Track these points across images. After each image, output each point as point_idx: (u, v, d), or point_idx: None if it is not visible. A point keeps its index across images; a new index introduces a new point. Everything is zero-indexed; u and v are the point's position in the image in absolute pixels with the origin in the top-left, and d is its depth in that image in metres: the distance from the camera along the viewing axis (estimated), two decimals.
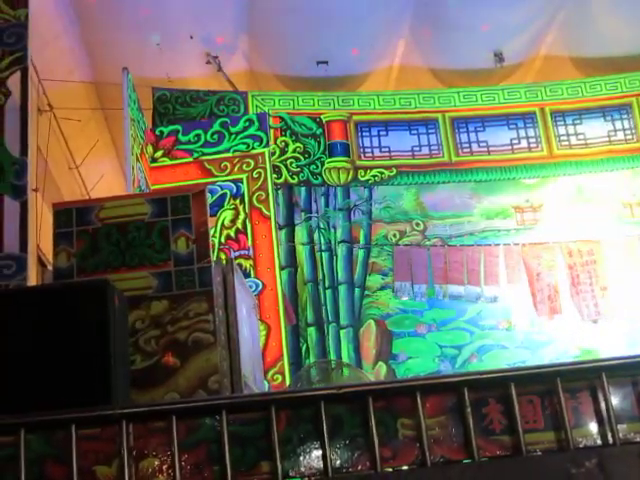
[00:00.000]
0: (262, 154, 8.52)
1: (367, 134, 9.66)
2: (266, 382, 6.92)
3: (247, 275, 7.76)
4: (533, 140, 9.73)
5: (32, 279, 5.14)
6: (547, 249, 9.22)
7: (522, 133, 9.76)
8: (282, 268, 8.45)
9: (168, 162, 8.51)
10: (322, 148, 9.47)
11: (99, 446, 2.50)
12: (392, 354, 8.87)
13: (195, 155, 8.52)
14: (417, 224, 9.39)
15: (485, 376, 2.66)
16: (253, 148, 8.53)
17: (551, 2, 9.93)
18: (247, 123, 8.69)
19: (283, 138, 9.46)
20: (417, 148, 9.64)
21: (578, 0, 9.88)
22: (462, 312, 9.05)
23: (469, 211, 9.48)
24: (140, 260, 3.54)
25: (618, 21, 9.87)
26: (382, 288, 9.11)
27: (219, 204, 8.24)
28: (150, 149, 8.52)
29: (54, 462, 2.49)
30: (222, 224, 8.20)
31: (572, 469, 2.42)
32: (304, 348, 8.74)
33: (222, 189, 8.31)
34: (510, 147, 9.71)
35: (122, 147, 8.04)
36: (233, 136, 8.59)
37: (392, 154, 9.60)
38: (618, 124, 9.74)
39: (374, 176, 9.46)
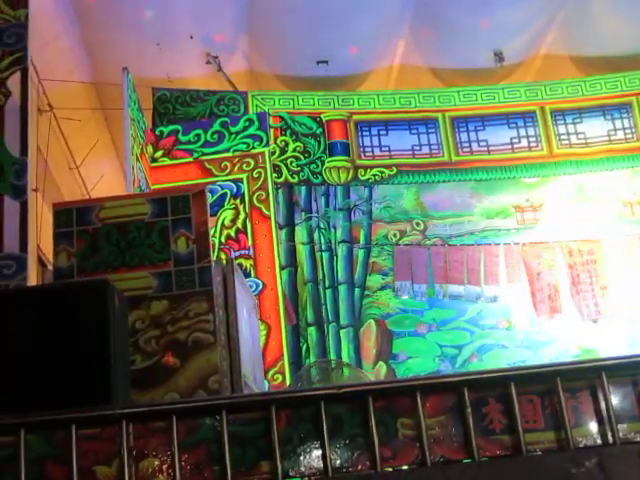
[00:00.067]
0: (262, 154, 8.53)
1: (367, 133, 9.66)
2: (266, 382, 6.92)
3: (247, 275, 7.76)
4: (533, 139, 9.73)
5: (32, 279, 5.14)
6: (547, 248, 9.22)
7: (522, 132, 9.76)
8: (282, 268, 8.45)
9: (168, 162, 8.51)
10: (322, 147, 9.47)
11: (99, 446, 2.50)
12: (392, 354, 8.87)
13: (195, 155, 8.52)
14: (417, 224, 9.39)
15: (485, 376, 2.66)
16: (253, 148, 8.53)
17: (551, 2, 9.93)
18: (247, 123, 8.69)
19: (283, 137, 9.46)
20: (417, 147, 9.64)
21: (578, 0, 9.87)
22: (462, 312, 9.05)
23: (469, 210, 9.48)
24: (140, 260, 3.53)
25: (618, 21, 9.87)
26: (382, 288, 9.12)
27: (219, 204, 8.24)
28: (150, 149, 8.52)
29: (54, 462, 2.49)
30: (222, 224, 8.20)
31: (572, 469, 2.42)
32: (304, 348, 8.74)
33: (222, 189, 8.31)
34: (510, 146, 9.71)
35: (122, 147, 8.04)
36: (233, 136, 8.59)
37: (392, 153, 9.60)
38: (618, 123, 9.74)
39: (374, 175, 9.47)
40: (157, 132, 8.71)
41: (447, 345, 8.91)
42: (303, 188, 9.35)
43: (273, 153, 9.05)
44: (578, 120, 9.78)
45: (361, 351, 8.88)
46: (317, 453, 2.52)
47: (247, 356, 3.83)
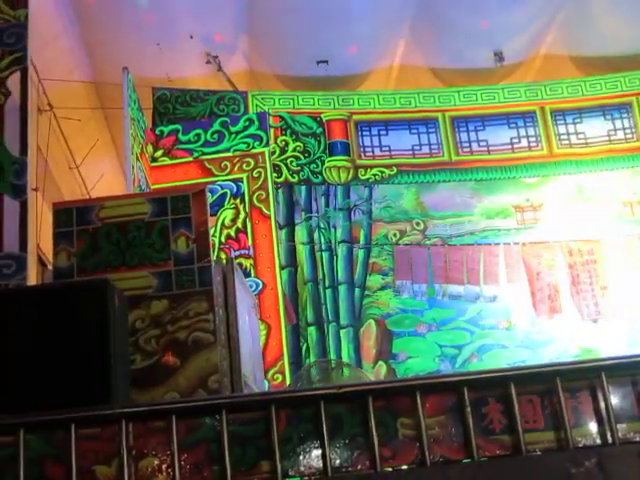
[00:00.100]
0: (262, 153, 8.52)
1: (367, 133, 9.66)
2: (266, 381, 6.92)
3: (247, 274, 7.76)
4: (533, 139, 9.73)
5: (32, 279, 5.14)
6: (547, 248, 9.22)
7: (522, 132, 9.76)
8: (282, 268, 8.45)
9: (168, 162, 8.51)
10: (322, 147, 9.48)
11: (99, 446, 2.50)
12: (392, 354, 8.87)
13: (195, 155, 8.52)
14: (417, 224, 9.39)
15: (485, 376, 2.66)
16: (253, 147, 8.53)
17: (551, 2, 9.93)
18: (247, 123, 8.69)
19: (283, 137, 9.46)
20: (417, 147, 9.64)
21: (578, 0, 9.87)
22: (462, 312, 9.05)
23: (469, 210, 9.48)
24: (140, 260, 3.53)
25: (618, 21, 9.87)
26: (382, 288, 9.12)
27: (219, 203, 8.24)
28: (150, 149, 8.52)
29: (54, 462, 2.49)
30: (222, 223, 8.20)
31: (572, 468, 2.42)
32: (304, 348, 8.74)
33: (222, 188, 8.31)
34: (510, 146, 9.70)
35: (122, 147, 8.04)
36: (233, 135, 8.59)
37: (392, 153, 9.60)
38: (618, 123, 9.74)
39: (374, 175, 9.47)
40: (157, 132, 8.71)
41: (447, 345, 8.91)
42: (303, 188, 9.35)
43: (273, 153, 9.05)
44: (578, 120, 9.78)
45: (361, 351, 8.88)
46: (317, 453, 2.52)
47: (247, 356, 3.83)
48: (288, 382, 7.27)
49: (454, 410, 2.56)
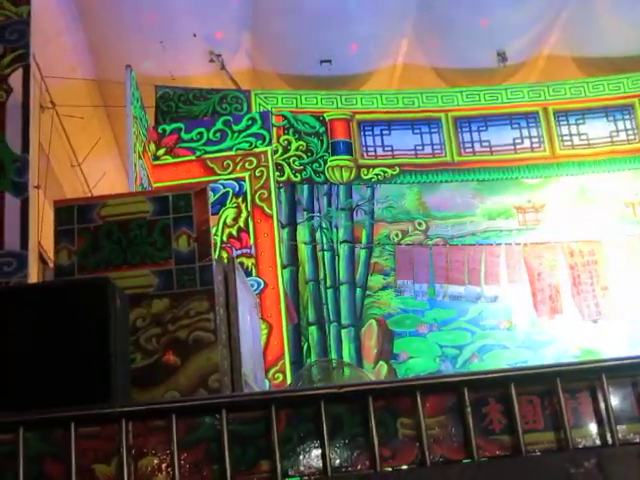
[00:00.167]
0: (265, 152, 8.52)
1: (370, 133, 9.66)
2: (267, 381, 6.92)
3: (249, 274, 7.76)
4: (536, 140, 9.73)
5: (33, 276, 5.14)
6: (548, 249, 9.22)
7: (525, 133, 9.76)
8: (284, 267, 8.45)
9: (170, 160, 8.51)
10: (325, 146, 9.48)
11: (98, 444, 2.50)
12: (393, 354, 8.88)
13: (197, 153, 8.52)
14: (419, 224, 9.39)
15: (485, 376, 2.65)
16: (256, 146, 8.53)
17: (554, 2, 9.92)
18: (250, 121, 8.69)
19: (286, 136, 9.46)
20: (420, 147, 9.64)
21: (581, 0, 9.87)
22: (463, 312, 9.06)
23: (471, 211, 9.48)
24: (141, 258, 3.53)
25: (621, 21, 9.86)
26: (384, 288, 9.12)
27: (221, 202, 8.24)
28: (152, 147, 8.52)
29: (53, 460, 2.48)
30: (224, 222, 8.20)
31: (571, 469, 2.42)
32: (305, 347, 8.74)
33: (224, 187, 8.31)
34: (513, 147, 9.70)
35: (124, 145, 8.04)
36: (236, 134, 8.59)
37: (395, 153, 9.60)
38: (620, 124, 9.74)
39: (377, 175, 9.46)
40: (160, 130, 8.71)
41: (448, 345, 8.92)
42: (305, 187, 9.35)
43: (276, 152, 9.05)
44: (581, 121, 9.77)
45: (362, 351, 8.88)
46: (317, 452, 2.52)
47: (248, 355, 3.83)
48: (289, 381, 7.27)
49: (454, 410, 2.56)
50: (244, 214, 8.24)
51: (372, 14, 9.60)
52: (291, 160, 9.37)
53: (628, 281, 8.98)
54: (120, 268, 3.50)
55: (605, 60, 10.21)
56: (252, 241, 8.14)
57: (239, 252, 8.06)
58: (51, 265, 5.21)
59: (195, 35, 9.64)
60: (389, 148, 9.61)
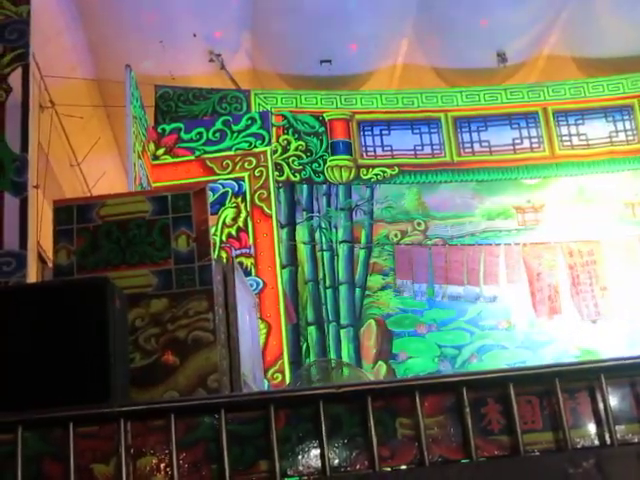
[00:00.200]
0: (264, 152, 8.52)
1: (369, 133, 9.66)
2: (266, 381, 6.92)
3: (248, 273, 7.76)
4: (535, 140, 9.73)
5: (32, 276, 5.14)
6: (548, 249, 9.22)
7: (524, 133, 9.75)
8: (283, 267, 8.45)
9: (170, 160, 8.51)
10: (324, 146, 9.48)
11: (97, 444, 2.50)
12: (392, 354, 8.88)
13: (197, 153, 8.52)
14: (418, 224, 9.39)
15: (484, 376, 2.66)
16: (255, 146, 8.53)
17: (554, 2, 9.92)
18: (249, 121, 8.69)
19: (285, 136, 9.46)
20: (419, 147, 9.64)
21: (581, 0, 9.87)
22: (462, 312, 9.06)
23: (470, 211, 9.48)
24: (140, 258, 3.53)
25: (621, 22, 9.86)
26: (383, 288, 9.12)
27: (221, 202, 8.24)
28: (152, 147, 8.52)
29: (51, 460, 2.48)
30: (223, 222, 8.20)
31: (570, 469, 2.42)
32: (304, 347, 8.74)
33: (224, 187, 8.31)
34: (512, 147, 9.70)
35: (124, 144, 8.04)
36: (235, 134, 8.59)
37: (394, 153, 9.60)
38: (620, 125, 9.74)
39: (376, 175, 9.46)
40: (159, 130, 8.71)
41: (447, 345, 8.92)
42: (305, 187, 9.34)
43: (275, 151, 9.05)
44: (580, 121, 9.77)
45: (361, 351, 8.88)
46: (315, 452, 2.52)
47: (247, 355, 3.83)
48: (288, 381, 7.27)
49: (453, 410, 2.56)
50: (243, 214, 8.24)
51: (372, 14, 9.60)
52: (290, 160, 9.36)
53: (627, 281, 8.98)
54: (119, 268, 3.50)
55: (605, 60, 10.22)
56: (251, 241, 8.14)
57: (238, 252, 8.06)
58: (50, 265, 5.20)
59: (195, 35, 9.64)
60: (388, 148, 9.61)
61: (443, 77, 10.64)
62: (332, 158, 9.45)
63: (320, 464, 2.50)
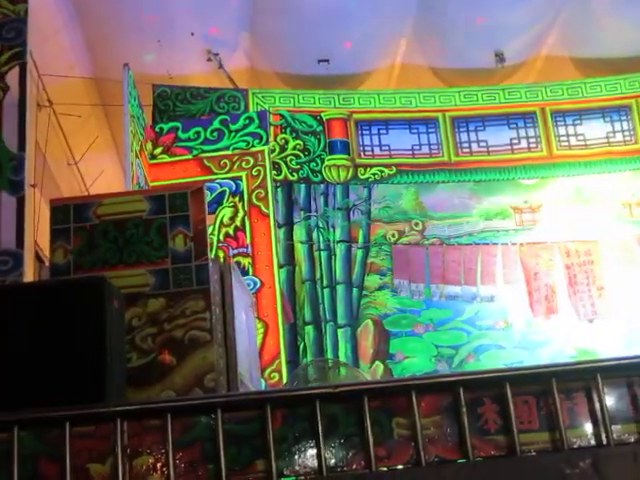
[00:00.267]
0: (262, 152, 8.53)
1: (367, 132, 9.66)
2: (263, 380, 6.92)
3: (245, 273, 7.76)
4: (533, 140, 9.73)
5: (29, 275, 5.13)
6: (545, 249, 9.23)
7: (522, 133, 9.76)
8: (280, 266, 8.46)
9: (167, 159, 8.51)
10: (322, 145, 9.48)
11: (93, 444, 2.50)
12: (389, 354, 8.88)
13: (195, 152, 8.52)
14: (416, 224, 9.40)
15: (480, 376, 2.66)
16: (253, 146, 8.53)
17: (552, 3, 9.92)
18: (247, 121, 8.69)
19: (283, 135, 9.46)
20: (417, 147, 9.64)
21: (579, 1, 9.88)
22: (459, 312, 9.06)
23: (468, 212, 9.48)
24: (137, 257, 3.53)
25: (619, 22, 9.87)
26: (380, 288, 9.12)
27: (218, 202, 8.24)
28: (150, 146, 8.51)
29: (47, 460, 2.48)
30: (221, 222, 8.20)
31: (566, 469, 2.42)
32: (301, 347, 8.74)
33: (221, 187, 8.31)
34: (510, 147, 9.70)
35: (122, 143, 8.04)
36: (233, 134, 8.60)
37: (392, 153, 9.60)
38: (617, 125, 9.75)
39: (374, 174, 9.46)
40: (157, 129, 8.71)
41: (444, 345, 8.92)
42: (302, 187, 9.34)
43: (273, 151, 9.05)
44: (578, 122, 9.78)
45: (358, 350, 8.88)
46: (312, 452, 2.52)
47: (244, 354, 3.83)
48: (285, 381, 7.27)
49: (449, 410, 2.56)
50: (241, 213, 8.24)
51: (370, 14, 9.60)
52: (288, 159, 9.36)
53: (624, 281, 8.99)
54: (116, 267, 3.50)
55: (603, 61, 10.22)
56: (249, 240, 8.14)
57: (236, 251, 8.06)
58: (47, 264, 5.20)
59: (193, 34, 9.63)
60: (386, 148, 9.61)
61: (441, 77, 10.64)
62: (330, 157, 9.45)
63: (317, 464, 2.50)
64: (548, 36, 10.43)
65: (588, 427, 2.55)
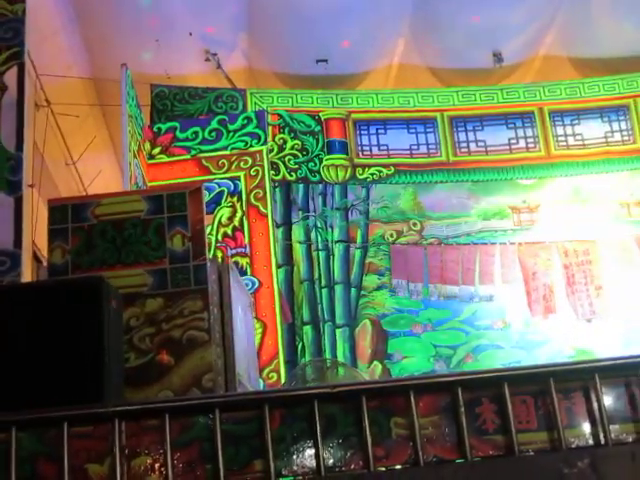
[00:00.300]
0: (260, 152, 8.52)
1: (365, 132, 9.65)
2: (261, 380, 6.92)
3: (243, 273, 7.75)
4: (531, 140, 9.73)
5: (27, 275, 5.13)
6: (543, 248, 9.23)
7: (520, 133, 9.75)
8: (279, 266, 8.45)
9: (165, 159, 8.51)
10: (320, 145, 9.47)
11: (91, 444, 2.50)
12: (387, 354, 8.88)
13: (193, 152, 8.51)
14: (414, 224, 9.39)
15: (479, 376, 2.66)
16: (251, 146, 8.53)
17: (550, 3, 9.93)
18: (245, 121, 8.69)
19: (281, 135, 9.45)
20: (415, 147, 9.64)
21: (577, 1, 9.88)
22: (457, 312, 9.06)
23: (466, 212, 9.48)
24: (135, 257, 3.53)
25: (617, 22, 9.87)
26: (378, 288, 9.12)
27: (216, 201, 8.24)
28: (148, 146, 8.51)
29: (46, 460, 2.48)
30: (219, 222, 8.20)
31: (564, 469, 2.42)
32: (300, 347, 8.74)
33: (219, 187, 8.30)
34: (508, 147, 9.70)
35: (120, 143, 8.02)
36: (231, 134, 8.59)
37: (390, 152, 9.60)
38: (615, 125, 9.75)
39: (372, 174, 9.46)
40: (155, 129, 8.70)
41: (442, 345, 8.92)
42: (301, 187, 9.34)
43: (271, 150, 9.05)
44: (576, 121, 9.78)
45: (356, 351, 8.87)
46: (310, 452, 2.52)
47: (242, 354, 3.83)
48: (283, 381, 7.27)
49: (448, 410, 2.56)
50: (239, 213, 8.24)
51: (368, 14, 9.60)
52: (286, 159, 9.36)
53: (622, 281, 8.99)
54: (114, 267, 3.50)
55: (600, 61, 10.23)
56: (247, 240, 8.14)
57: (234, 251, 8.06)
58: (45, 264, 5.19)
59: (191, 34, 9.62)
60: (384, 147, 9.61)
61: (439, 77, 10.64)
62: (328, 157, 9.45)
63: (315, 464, 2.50)
64: (546, 36, 10.43)
65: (586, 427, 2.55)
